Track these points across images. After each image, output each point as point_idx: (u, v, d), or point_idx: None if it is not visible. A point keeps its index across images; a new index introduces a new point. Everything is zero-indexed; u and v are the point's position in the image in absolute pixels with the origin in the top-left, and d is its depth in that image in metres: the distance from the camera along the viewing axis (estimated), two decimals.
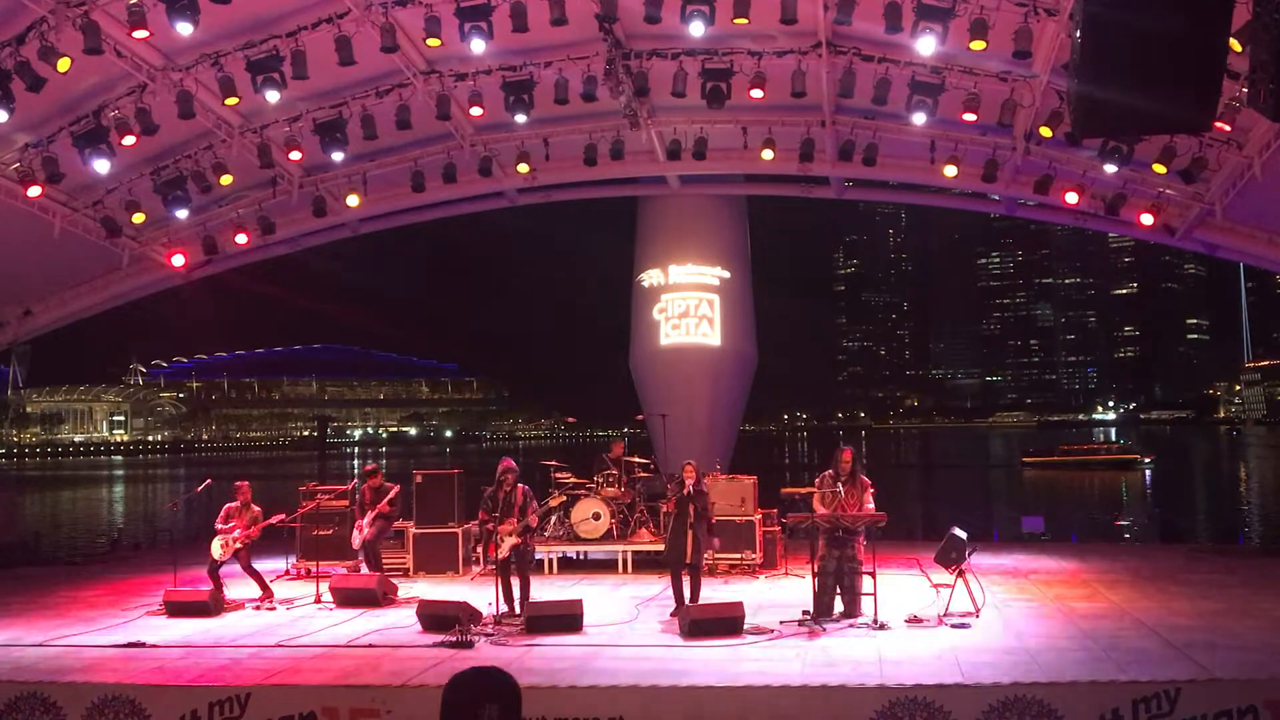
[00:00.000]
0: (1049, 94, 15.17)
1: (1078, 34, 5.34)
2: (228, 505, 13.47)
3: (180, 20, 13.11)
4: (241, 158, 17.25)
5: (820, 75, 16.06)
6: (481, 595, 12.49)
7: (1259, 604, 12.16)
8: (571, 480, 16.45)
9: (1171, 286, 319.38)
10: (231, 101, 15.42)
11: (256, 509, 13.44)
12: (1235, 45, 9.11)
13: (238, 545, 13.16)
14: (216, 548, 13.21)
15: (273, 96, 15.00)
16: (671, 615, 11.86)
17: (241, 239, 19.30)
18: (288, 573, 15.53)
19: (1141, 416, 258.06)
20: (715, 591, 13.28)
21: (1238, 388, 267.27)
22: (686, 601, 11.88)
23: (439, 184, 18.94)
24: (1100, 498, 48.55)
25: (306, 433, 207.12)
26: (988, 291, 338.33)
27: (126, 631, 11.52)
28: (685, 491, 12.02)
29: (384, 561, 14.55)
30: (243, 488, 13.48)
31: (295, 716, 8.83)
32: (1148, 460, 71.25)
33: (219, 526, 13.33)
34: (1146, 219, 17.36)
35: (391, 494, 14.17)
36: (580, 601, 11.85)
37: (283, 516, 14.14)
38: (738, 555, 15.34)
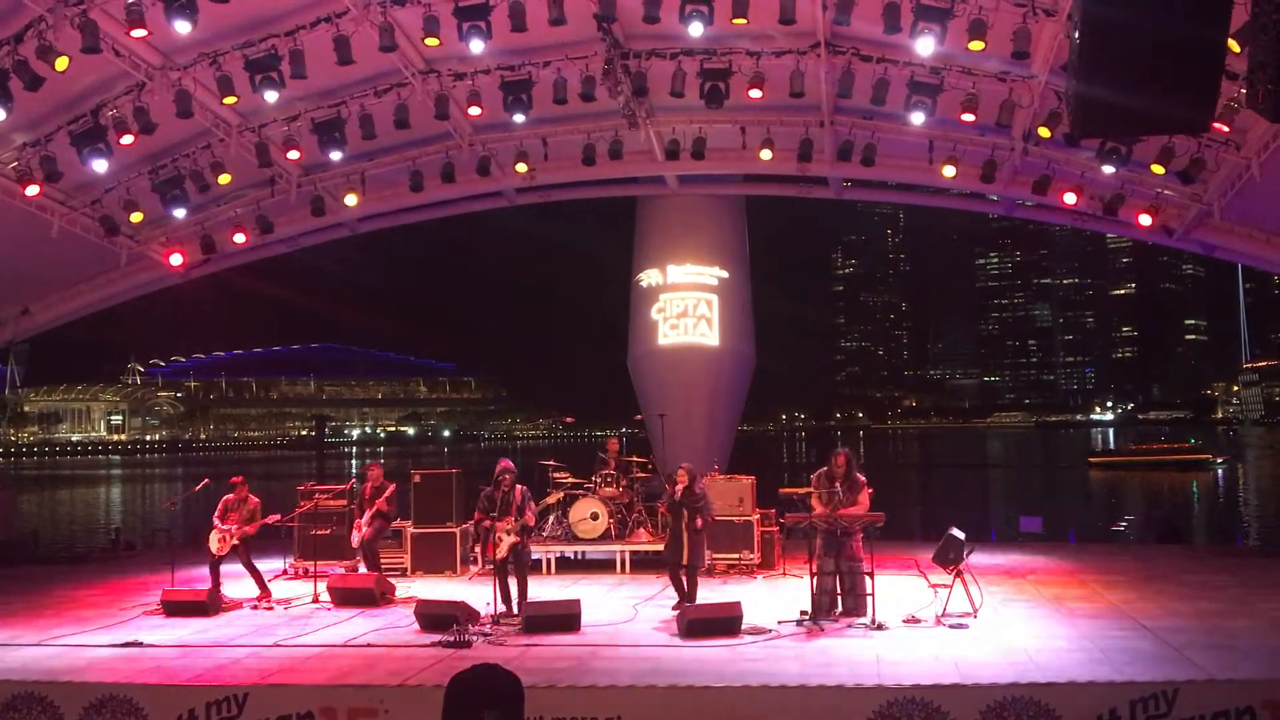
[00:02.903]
0: (1047, 94, 15.18)
1: (1076, 34, 5.34)
2: (225, 498, 13.49)
3: (179, 19, 13.10)
4: (240, 157, 17.23)
5: (819, 75, 16.05)
6: (479, 595, 12.49)
7: (1257, 605, 12.17)
8: (570, 480, 16.45)
9: (1170, 287, 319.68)
10: (230, 101, 15.41)
11: (254, 500, 13.43)
12: (1234, 46, 9.13)
13: (234, 542, 13.15)
14: (214, 542, 13.22)
15: (271, 96, 14.99)
16: (674, 609, 11.89)
17: (239, 238, 19.28)
18: (285, 572, 15.52)
19: (1139, 417, 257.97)
20: (713, 591, 13.28)
21: (1236, 388, 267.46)
22: (684, 604, 11.92)
23: (437, 183, 18.93)
24: (1185, 500, 46.36)
25: (304, 432, 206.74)
26: (986, 292, 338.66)
27: (124, 631, 11.51)
28: (675, 497, 12.19)
29: (382, 561, 14.55)
30: (238, 482, 13.48)
31: (293, 716, 8.83)
32: (1219, 461, 69.15)
33: (216, 521, 13.34)
34: (1145, 219, 17.36)
35: (389, 491, 14.18)
36: (578, 601, 11.86)
37: (279, 517, 14.14)
38: (735, 555, 15.35)
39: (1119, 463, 69.96)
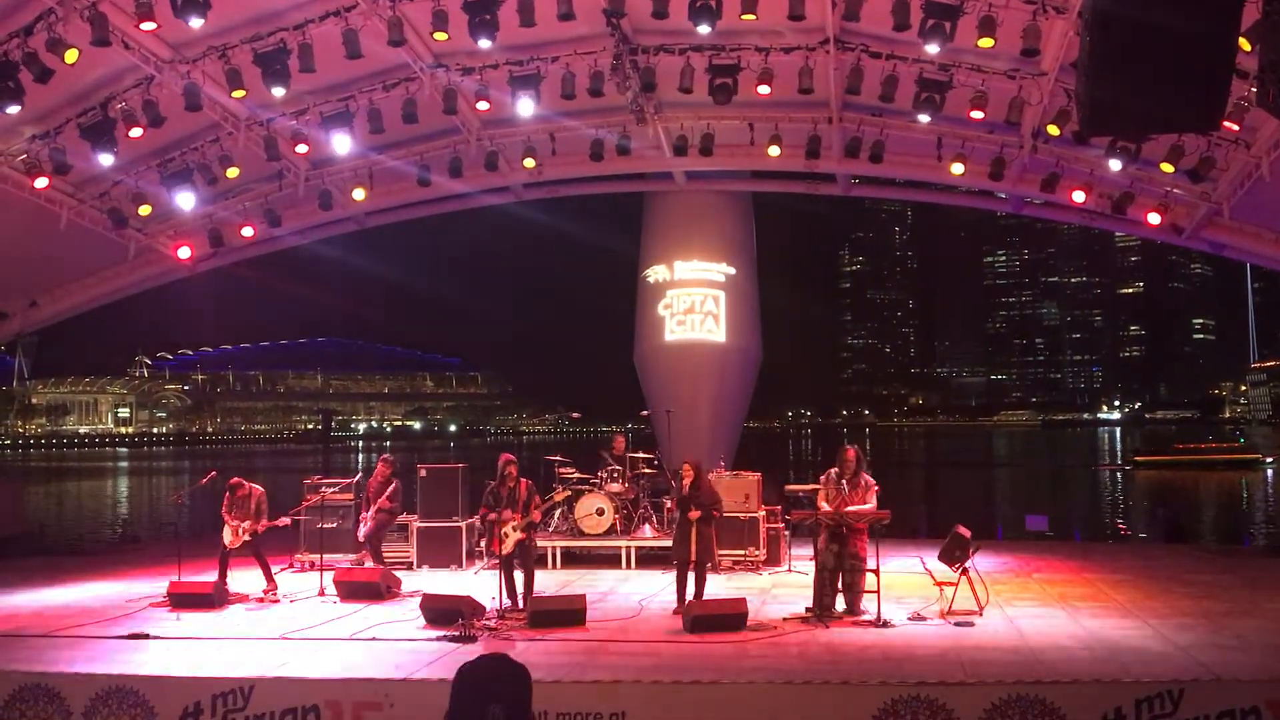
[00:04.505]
0: (1057, 92, 15.14)
1: (1086, 32, 5.33)
2: (228, 495, 13.51)
3: (188, 13, 13.12)
4: (248, 150, 17.27)
5: (827, 72, 16.04)
6: (485, 589, 12.50)
7: (1263, 604, 12.14)
8: (576, 475, 16.45)
9: (1178, 286, 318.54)
10: (238, 94, 15.43)
11: (257, 490, 13.41)
12: (1244, 44, 9.11)
13: (246, 537, 13.19)
14: (227, 535, 13.27)
15: (279, 90, 15.02)
16: (674, 613, 11.86)
17: (248, 231, 19.34)
18: (291, 565, 15.55)
19: (1147, 416, 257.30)
20: (718, 587, 13.29)
21: (1243, 388, 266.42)
22: (690, 599, 11.91)
23: (445, 178, 18.93)
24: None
25: (311, 426, 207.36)
26: (993, 290, 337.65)
27: (130, 623, 11.53)
28: (684, 493, 12.17)
29: (387, 555, 14.57)
30: (236, 483, 13.46)
31: (298, 709, 8.85)
32: (1269, 460, 67.28)
33: (225, 515, 13.37)
34: (1154, 218, 17.32)
35: (390, 490, 14.17)
36: (583, 596, 11.88)
37: (287, 521, 14.14)
38: (741, 551, 15.35)
39: (1166, 461, 67.57)
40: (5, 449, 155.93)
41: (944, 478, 66.37)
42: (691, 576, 12.08)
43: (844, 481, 11.82)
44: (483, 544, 14.68)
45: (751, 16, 13.90)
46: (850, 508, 11.65)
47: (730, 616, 11.07)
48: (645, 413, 21.23)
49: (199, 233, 19.33)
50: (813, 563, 12.07)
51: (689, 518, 12.04)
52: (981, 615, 11.49)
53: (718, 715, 8.67)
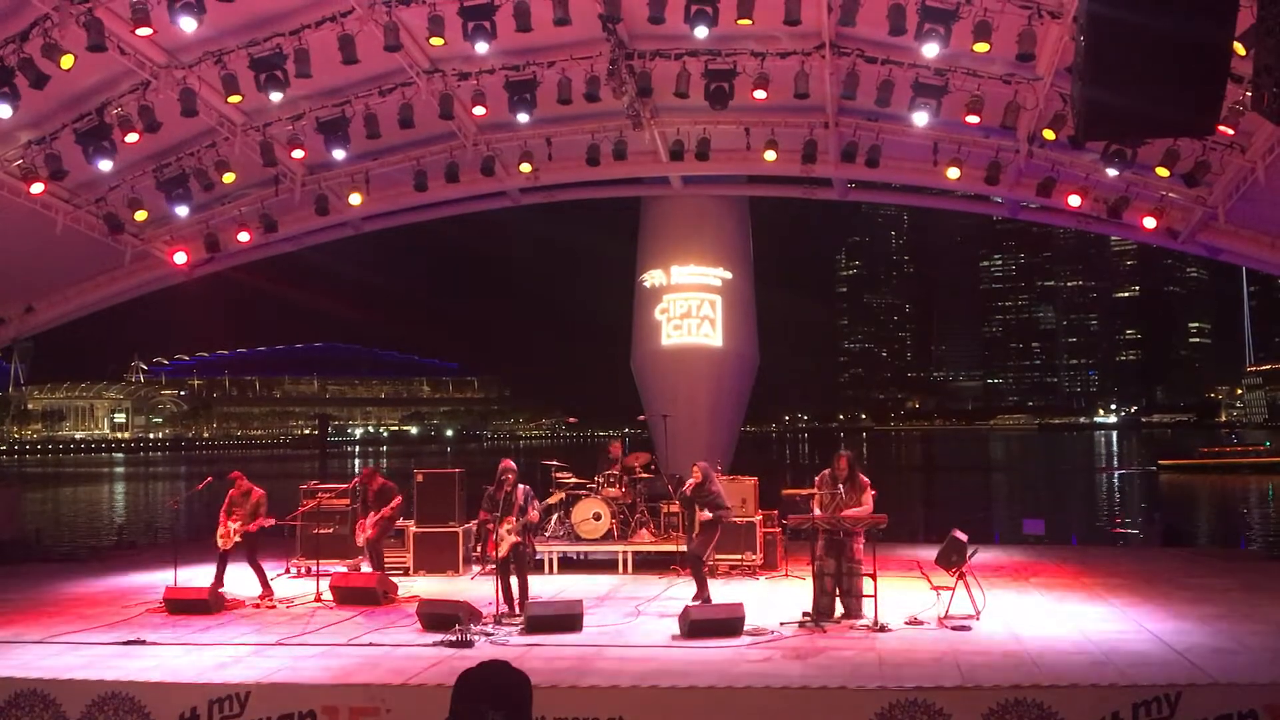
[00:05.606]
0: (1052, 96, 15.17)
1: (1081, 36, 5.34)
2: (230, 493, 13.53)
3: (184, 17, 13.11)
4: (244, 156, 17.26)
5: (823, 76, 16.06)
6: (481, 594, 12.48)
7: (1260, 608, 12.14)
8: (572, 480, 16.45)
9: (1174, 290, 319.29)
10: (234, 99, 15.42)
11: (258, 492, 13.42)
12: (1239, 49, 9.13)
13: (237, 538, 13.18)
14: (219, 537, 13.26)
15: (276, 95, 15.01)
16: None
17: (244, 237, 19.31)
18: (288, 571, 15.53)
19: (1143, 420, 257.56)
20: (716, 592, 13.27)
21: (1239, 391, 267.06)
22: (689, 602, 11.94)
23: (442, 183, 18.94)
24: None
25: (308, 431, 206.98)
26: (990, 294, 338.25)
27: (127, 629, 11.51)
28: (686, 493, 12.27)
29: (384, 560, 14.55)
30: (237, 477, 13.49)
31: (295, 715, 8.83)
32: None
33: (222, 517, 13.37)
34: (1149, 222, 17.36)
35: (395, 501, 14.12)
36: (580, 601, 11.87)
37: (273, 520, 14.13)
38: (738, 556, 15.33)
39: (1191, 465, 67.33)
40: (1, 454, 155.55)
41: (942, 481, 66.32)
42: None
43: (840, 485, 11.83)
44: (478, 549, 14.67)
45: (747, 21, 13.91)
46: (847, 511, 11.66)
47: (727, 621, 11.06)
48: (642, 417, 21.22)
49: (195, 238, 19.32)
50: (810, 567, 12.07)
51: (699, 520, 12.22)
52: (978, 619, 11.49)
53: None
